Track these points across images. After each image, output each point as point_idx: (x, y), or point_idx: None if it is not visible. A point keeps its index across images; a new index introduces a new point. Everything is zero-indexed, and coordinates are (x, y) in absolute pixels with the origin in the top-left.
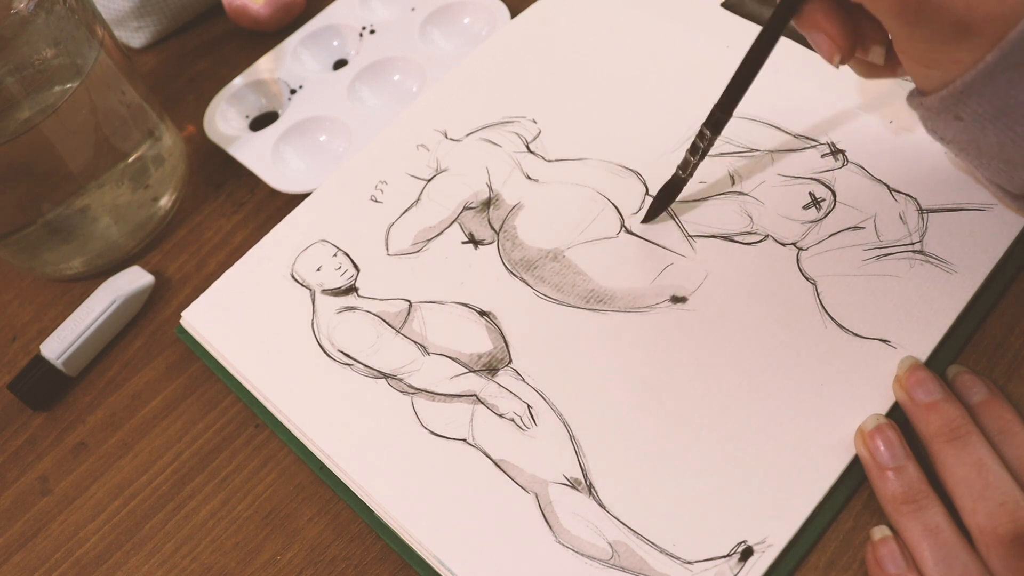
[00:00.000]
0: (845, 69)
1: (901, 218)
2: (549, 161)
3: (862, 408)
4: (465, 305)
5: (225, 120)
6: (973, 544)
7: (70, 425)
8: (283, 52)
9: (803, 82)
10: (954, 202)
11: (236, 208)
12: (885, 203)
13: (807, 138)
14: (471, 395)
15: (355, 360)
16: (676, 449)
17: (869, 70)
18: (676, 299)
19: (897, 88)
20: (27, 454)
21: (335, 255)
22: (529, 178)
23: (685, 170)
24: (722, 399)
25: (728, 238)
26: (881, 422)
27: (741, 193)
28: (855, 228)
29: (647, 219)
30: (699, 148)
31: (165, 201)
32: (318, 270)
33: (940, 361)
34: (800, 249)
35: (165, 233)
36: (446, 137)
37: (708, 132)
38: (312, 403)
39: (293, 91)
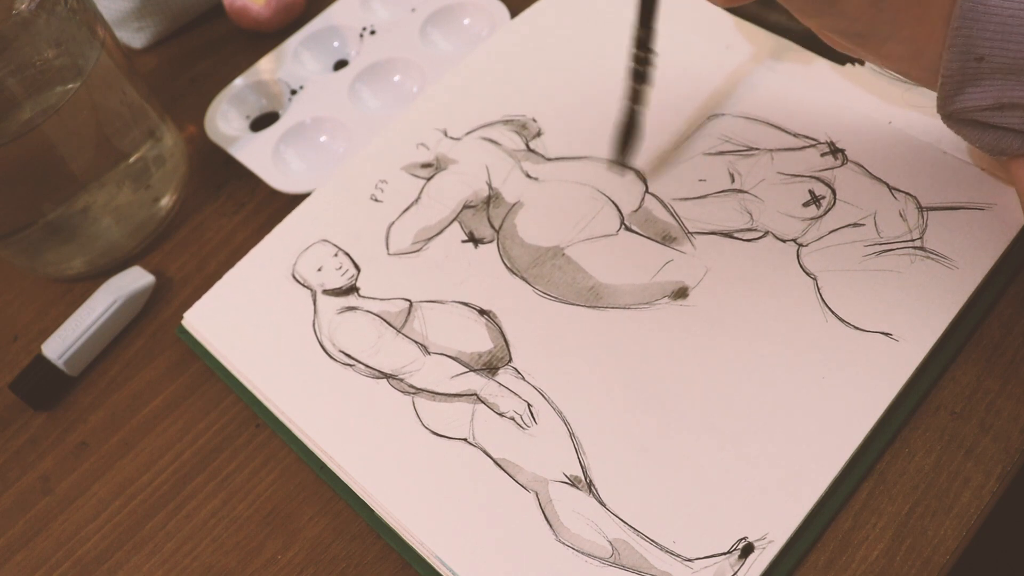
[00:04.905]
0: (848, 71)
1: (901, 216)
2: (549, 159)
3: (864, 401)
4: (465, 304)
5: (226, 120)
6: None
7: (71, 425)
8: (284, 53)
9: (802, 82)
10: (954, 201)
11: (237, 208)
12: (885, 201)
13: (806, 137)
14: (472, 394)
15: (356, 360)
16: (676, 446)
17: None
18: (676, 295)
19: (897, 89)
20: (28, 454)
21: (336, 255)
22: (529, 176)
23: (636, 100)
24: (722, 395)
25: (728, 235)
26: None
27: (741, 191)
28: (855, 225)
29: (617, 160)
30: (639, 72)
31: (166, 201)
32: (319, 270)
33: (942, 356)
34: (800, 245)
35: (166, 233)
36: (446, 136)
37: (639, 52)
38: (313, 403)
39: (294, 92)
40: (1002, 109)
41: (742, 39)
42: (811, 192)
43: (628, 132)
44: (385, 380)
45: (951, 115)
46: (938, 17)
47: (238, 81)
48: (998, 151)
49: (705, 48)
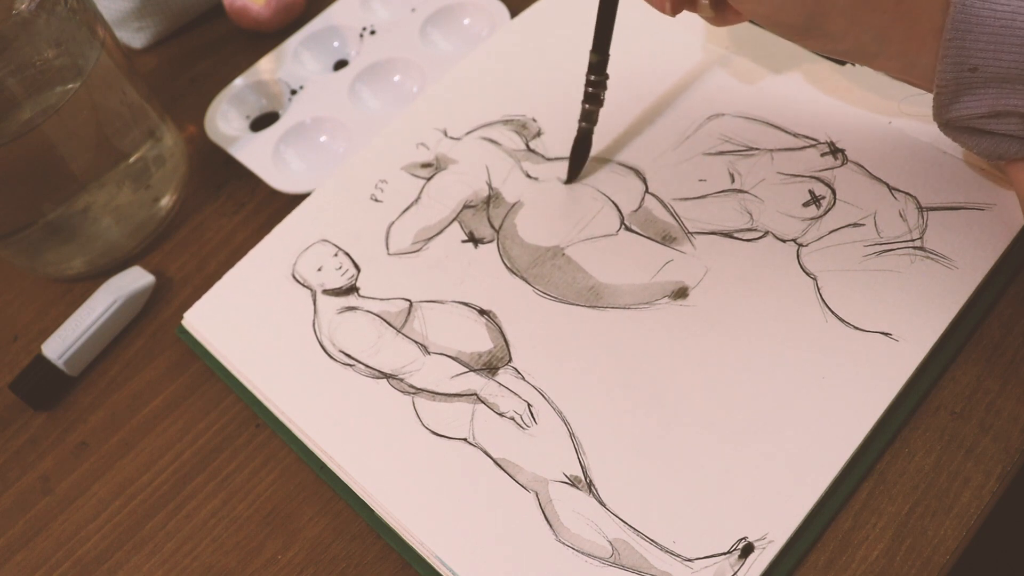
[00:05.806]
0: (848, 71)
1: (901, 216)
2: (549, 159)
3: (864, 401)
4: (465, 304)
5: (226, 120)
6: None
7: (71, 425)
8: (284, 53)
9: (802, 82)
10: (954, 201)
11: (237, 208)
12: (885, 201)
13: (807, 137)
14: (471, 394)
15: (356, 360)
16: (676, 446)
17: (716, 18)
18: (676, 295)
19: (896, 89)
20: (28, 454)
21: (336, 255)
22: (529, 176)
23: (589, 120)
24: (722, 395)
25: (728, 234)
26: None
27: (741, 191)
28: (855, 225)
29: (569, 179)
30: (594, 95)
31: (166, 201)
32: (319, 270)
33: (942, 356)
34: (800, 245)
35: (166, 233)
36: (446, 136)
37: (594, 76)
38: (313, 403)
39: (294, 92)
40: (998, 116)
41: (742, 39)
42: (811, 192)
43: (582, 151)
44: (385, 380)
45: (948, 123)
46: (928, 31)
47: (238, 81)
48: (996, 156)
49: (705, 48)
